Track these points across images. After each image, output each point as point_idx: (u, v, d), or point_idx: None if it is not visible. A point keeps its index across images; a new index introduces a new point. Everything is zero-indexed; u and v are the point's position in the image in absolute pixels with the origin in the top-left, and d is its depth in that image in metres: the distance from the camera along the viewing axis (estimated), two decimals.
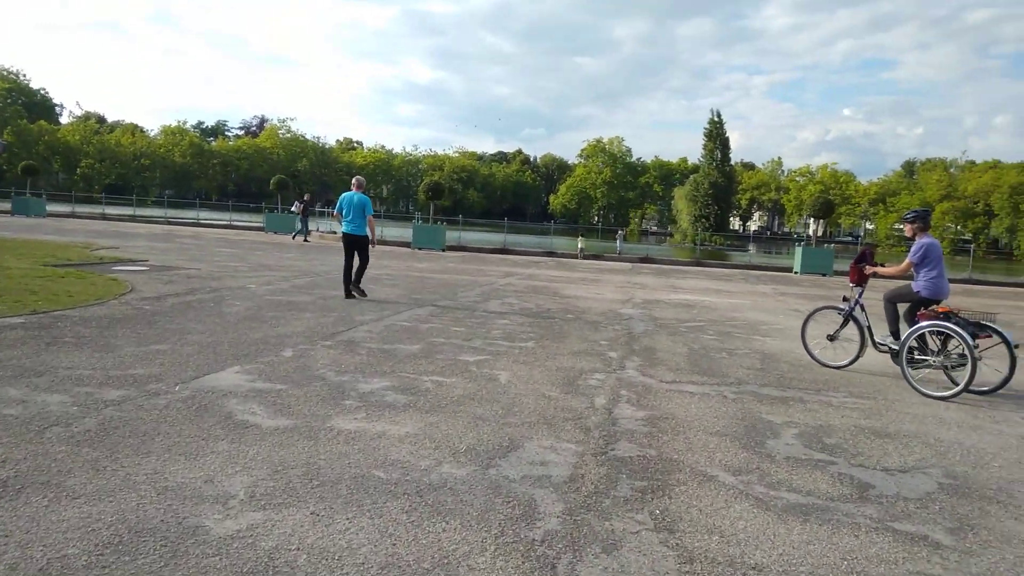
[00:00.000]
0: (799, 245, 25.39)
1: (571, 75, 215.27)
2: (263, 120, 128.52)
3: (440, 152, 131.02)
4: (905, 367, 6.63)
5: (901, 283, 7.55)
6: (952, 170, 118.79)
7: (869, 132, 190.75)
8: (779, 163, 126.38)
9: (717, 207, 79.97)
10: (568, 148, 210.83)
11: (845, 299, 7.70)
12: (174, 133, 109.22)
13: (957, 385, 6.19)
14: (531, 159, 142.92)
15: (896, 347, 6.88)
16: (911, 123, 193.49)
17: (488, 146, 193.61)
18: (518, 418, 4.77)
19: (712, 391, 5.96)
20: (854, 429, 5.01)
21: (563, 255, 28.52)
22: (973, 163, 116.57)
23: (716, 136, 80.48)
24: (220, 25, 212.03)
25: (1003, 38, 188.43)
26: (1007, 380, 6.36)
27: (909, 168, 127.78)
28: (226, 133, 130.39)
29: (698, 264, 27.48)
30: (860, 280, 7.57)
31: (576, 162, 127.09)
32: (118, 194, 73.23)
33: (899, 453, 4.54)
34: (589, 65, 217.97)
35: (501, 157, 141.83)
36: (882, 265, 7.63)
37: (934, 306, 6.77)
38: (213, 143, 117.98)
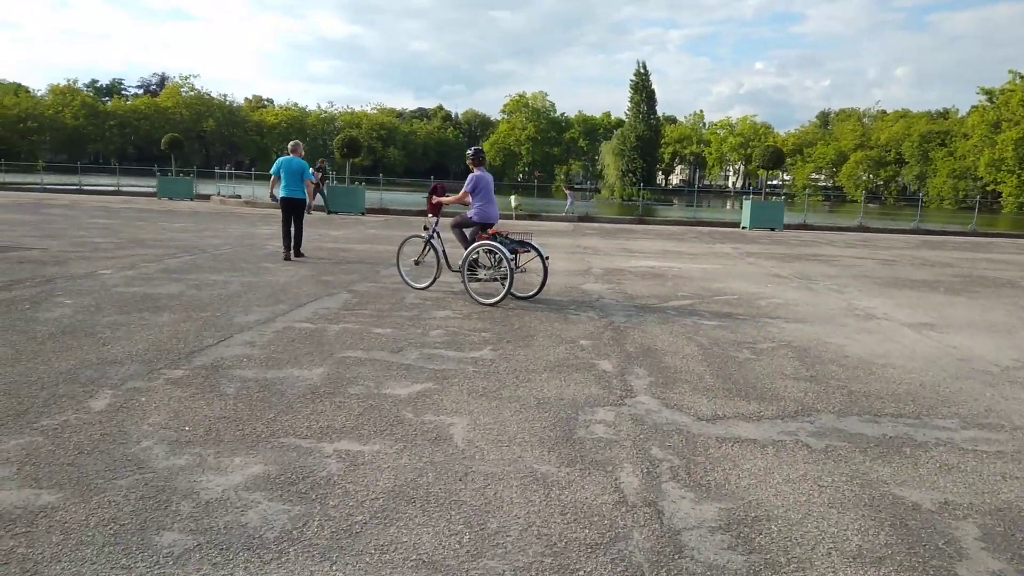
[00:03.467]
0: (747, 199, 23.82)
1: (489, 29, 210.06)
2: (164, 78, 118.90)
3: (358, 109, 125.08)
4: (466, 280, 7.83)
5: (465, 211, 8.38)
6: (865, 120, 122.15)
7: (780, 85, 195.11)
8: (701, 116, 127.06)
9: (643, 161, 78.83)
10: (489, 105, 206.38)
11: (425, 228, 8.49)
12: (64, 93, 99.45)
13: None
14: (453, 115, 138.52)
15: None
16: (818, 75, 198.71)
17: (408, 103, 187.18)
18: (502, 559, 2.52)
19: (781, 435, 3.85)
20: None
21: None
22: (884, 112, 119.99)
23: (642, 88, 78.77)
24: None
25: None
26: (543, 284, 7.95)
27: (824, 119, 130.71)
28: (123, 92, 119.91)
29: (641, 222, 25.64)
30: (434, 211, 8.51)
31: (499, 118, 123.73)
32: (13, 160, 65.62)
33: None
34: (507, 19, 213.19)
35: (422, 114, 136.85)
36: (445, 196, 8.59)
37: (488, 228, 7.97)
38: (108, 103, 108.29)
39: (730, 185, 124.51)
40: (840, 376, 5.14)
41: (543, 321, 6.77)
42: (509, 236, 7.78)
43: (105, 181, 38.97)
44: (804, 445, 3.68)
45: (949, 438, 3.86)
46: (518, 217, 25.87)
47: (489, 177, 8.24)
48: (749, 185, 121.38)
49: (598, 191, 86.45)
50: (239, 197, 30.40)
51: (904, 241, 20.95)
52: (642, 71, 78.97)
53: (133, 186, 37.11)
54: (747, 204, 23.58)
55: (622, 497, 2.98)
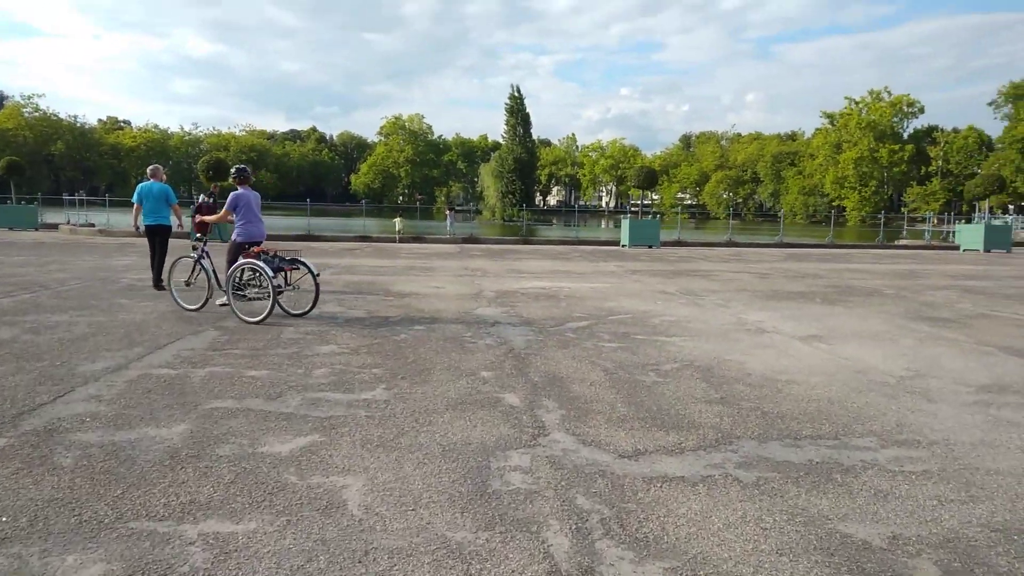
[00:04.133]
0: (625, 218, 24.41)
1: (363, 52, 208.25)
2: (2, 97, 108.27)
3: (225, 131, 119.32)
4: (231, 300, 7.78)
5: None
6: (723, 142, 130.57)
7: (644, 110, 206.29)
8: (574, 139, 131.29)
9: (522, 183, 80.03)
10: (365, 127, 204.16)
11: (194, 248, 8.52)
12: None
13: (283, 310, 7.97)
14: (327, 137, 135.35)
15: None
16: (679, 101, 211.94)
17: (279, 124, 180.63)
18: None
19: (708, 469, 3.57)
20: (988, 524, 2.88)
21: (379, 239, 25.30)
22: (740, 135, 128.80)
23: (517, 112, 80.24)
24: None
25: (751, 24, 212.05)
26: (315, 300, 8.08)
27: (686, 141, 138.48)
28: None
29: (526, 242, 25.65)
30: (201, 230, 8.51)
31: (376, 140, 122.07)
32: None
33: None
34: (381, 42, 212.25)
35: (294, 136, 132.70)
36: (209, 214, 8.86)
37: (253, 247, 7.84)
38: None
39: (603, 205, 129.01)
40: (749, 396, 5.00)
41: (439, 352, 6.28)
42: (277, 254, 7.84)
43: None
44: (735, 480, 3.42)
45: (873, 459, 3.73)
46: (402, 240, 25.19)
47: (253, 195, 8.21)
48: (622, 204, 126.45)
49: (479, 212, 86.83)
50: (92, 226, 27.81)
51: (771, 255, 22.14)
52: (516, 95, 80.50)
53: None
54: (625, 223, 24.17)
55: (554, 566, 2.55)
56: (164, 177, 10.52)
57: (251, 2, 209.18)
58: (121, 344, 6.27)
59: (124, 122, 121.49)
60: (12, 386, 4.80)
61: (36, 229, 27.11)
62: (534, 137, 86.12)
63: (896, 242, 31.65)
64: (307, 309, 8.06)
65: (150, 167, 10.66)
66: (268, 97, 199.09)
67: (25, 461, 3.47)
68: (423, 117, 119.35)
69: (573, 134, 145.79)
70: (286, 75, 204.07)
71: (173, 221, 10.28)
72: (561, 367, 5.79)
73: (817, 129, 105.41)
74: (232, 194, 8.04)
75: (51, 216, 32.56)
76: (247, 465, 3.47)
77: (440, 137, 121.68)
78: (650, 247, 23.86)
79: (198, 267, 8.38)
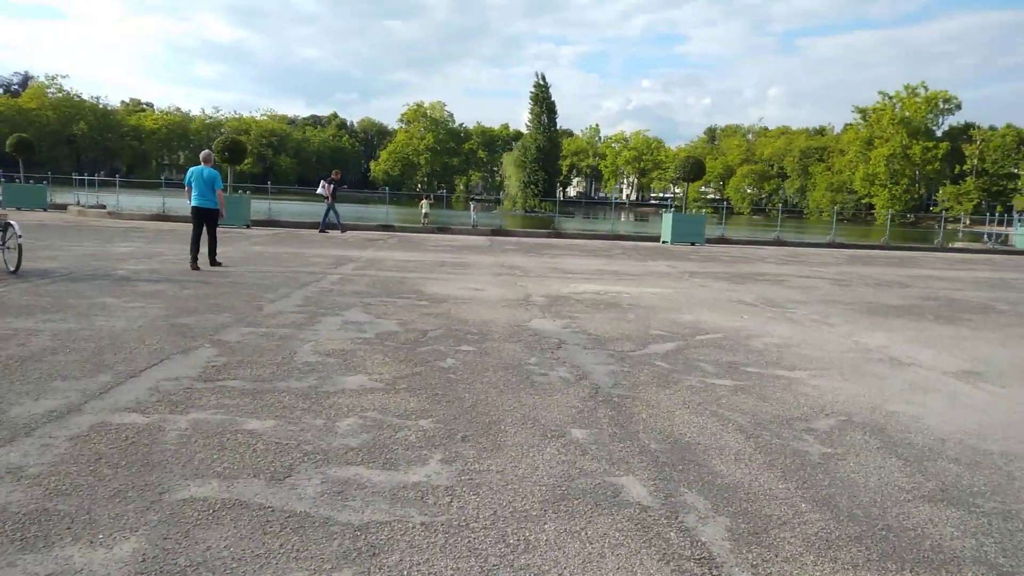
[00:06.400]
0: (668, 211, 22.63)
1: (383, 39, 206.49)
2: (27, 77, 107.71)
3: (246, 115, 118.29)
4: None
5: None
6: (749, 136, 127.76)
7: (665, 102, 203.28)
8: (597, 130, 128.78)
9: (545, 173, 78.15)
10: (384, 114, 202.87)
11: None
12: None
13: None
14: (348, 124, 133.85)
15: None
16: (700, 94, 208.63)
17: (300, 110, 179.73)
18: None
19: None
20: None
21: (402, 228, 23.70)
22: (767, 129, 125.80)
23: (542, 100, 78.21)
24: None
25: (775, 17, 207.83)
26: (19, 261, 8.93)
27: (711, 134, 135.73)
28: None
29: (558, 236, 23.96)
30: None
31: (397, 127, 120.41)
32: None
33: None
34: (401, 29, 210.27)
35: (315, 121, 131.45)
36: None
37: None
38: None
39: (624, 197, 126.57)
40: (977, 486, 3.37)
41: (502, 390, 4.69)
42: None
43: None
44: None
45: None
46: (427, 228, 23.63)
47: None
48: (642, 197, 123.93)
49: (499, 202, 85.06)
50: (103, 207, 26.45)
51: (830, 256, 20.32)
52: (541, 83, 78.50)
53: None
54: (668, 218, 22.35)
55: None
56: (212, 160, 11.11)
57: None
58: (85, 368, 4.75)
59: (146, 104, 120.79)
60: None
61: (45, 210, 25.82)
62: (558, 127, 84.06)
63: (951, 244, 29.61)
64: (16, 265, 8.94)
65: (203, 152, 11.42)
66: (288, 83, 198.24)
67: None
68: (444, 105, 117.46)
69: (596, 124, 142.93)
70: (306, 61, 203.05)
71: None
72: (678, 423, 4.18)
73: (847, 124, 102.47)
74: None
75: (63, 196, 31.34)
76: None
77: (461, 125, 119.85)
78: (693, 244, 22.12)
79: None
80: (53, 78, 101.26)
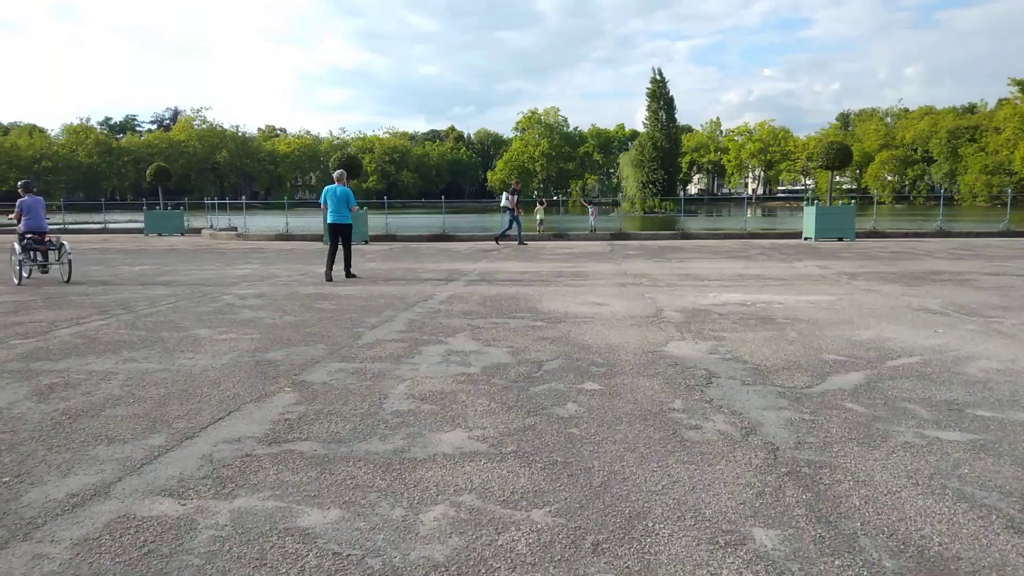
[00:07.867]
0: (811, 205, 20.33)
1: (497, 50, 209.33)
2: (176, 112, 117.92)
3: (370, 134, 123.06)
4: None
5: None
6: (887, 119, 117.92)
7: (789, 90, 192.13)
8: (718, 123, 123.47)
9: (664, 171, 75.27)
10: (500, 124, 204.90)
11: None
12: (77, 132, 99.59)
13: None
14: (465, 136, 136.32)
15: None
16: (827, 79, 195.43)
17: (420, 126, 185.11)
18: None
19: None
20: None
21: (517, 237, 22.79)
22: (907, 111, 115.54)
23: (660, 96, 75.33)
24: (125, 17, 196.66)
25: None
26: (70, 272, 11.00)
27: (844, 120, 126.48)
28: (136, 128, 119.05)
29: (685, 237, 22.23)
30: None
31: (512, 136, 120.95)
32: (12, 200, 63.72)
33: None
34: (514, 39, 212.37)
35: (434, 136, 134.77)
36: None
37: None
38: (122, 139, 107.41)
39: (750, 192, 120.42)
40: None
41: (642, 458, 3.48)
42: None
43: (117, 218, 36.33)
44: None
45: None
46: (542, 236, 22.64)
47: (36, 199, 11.48)
48: (770, 191, 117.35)
49: (617, 204, 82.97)
50: (234, 230, 27.52)
51: (1011, 247, 17.42)
52: (658, 78, 75.67)
53: (121, 222, 34.64)
54: (810, 212, 20.05)
55: None
56: (345, 179, 11.66)
57: (391, 10, 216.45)
58: (140, 426, 4.01)
59: (280, 130, 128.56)
60: None
61: (182, 234, 27.23)
62: (677, 122, 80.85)
63: None
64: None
65: (336, 172, 12.07)
66: (409, 101, 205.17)
67: None
68: (558, 110, 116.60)
69: (717, 118, 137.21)
70: (425, 78, 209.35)
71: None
72: (910, 513, 2.81)
73: (1002, 100, 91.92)
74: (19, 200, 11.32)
75: (199, 221, 33.11)
76: None
77: (575, 129, 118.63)
78: (840, 240, 19.76)
79: None
80: (198, 111, 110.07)
